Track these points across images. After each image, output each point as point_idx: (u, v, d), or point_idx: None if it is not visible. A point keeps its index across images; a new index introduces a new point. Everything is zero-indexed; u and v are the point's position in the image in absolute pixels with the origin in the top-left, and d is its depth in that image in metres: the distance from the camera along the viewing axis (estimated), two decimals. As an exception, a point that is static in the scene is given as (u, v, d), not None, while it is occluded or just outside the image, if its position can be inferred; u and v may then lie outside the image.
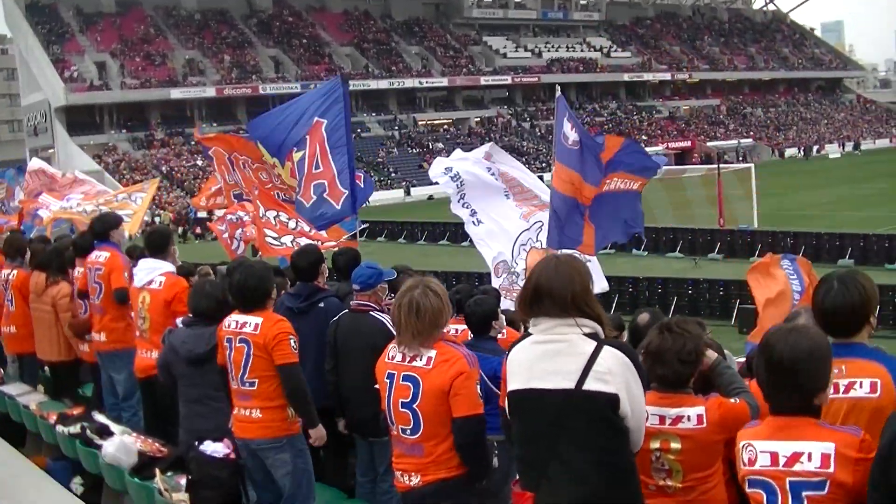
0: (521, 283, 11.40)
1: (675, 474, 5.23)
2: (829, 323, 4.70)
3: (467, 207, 13.21)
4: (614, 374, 4.54)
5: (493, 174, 13.29)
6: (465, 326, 7.96)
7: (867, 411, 4.55)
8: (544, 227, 12.07)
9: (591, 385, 4.53)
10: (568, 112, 11.88)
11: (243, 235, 14.59)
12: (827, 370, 4.26)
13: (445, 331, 6.20)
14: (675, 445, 5.16)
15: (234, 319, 7.51)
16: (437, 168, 13.58)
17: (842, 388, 4.65)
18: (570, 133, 11.56)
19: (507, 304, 10.85)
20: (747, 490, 4.34)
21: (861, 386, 4.67)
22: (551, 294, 4.67)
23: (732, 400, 5.25)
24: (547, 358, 4.67)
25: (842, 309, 4.75)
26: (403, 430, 6.02)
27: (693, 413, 5.16)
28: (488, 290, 8.83)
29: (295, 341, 7.50)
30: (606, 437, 4.60)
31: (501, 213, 13.19)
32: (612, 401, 4.53)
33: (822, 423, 4.23)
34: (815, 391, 4.22)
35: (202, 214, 67.39)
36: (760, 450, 4.24)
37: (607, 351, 4.58)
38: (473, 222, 13.23)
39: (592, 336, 4.65)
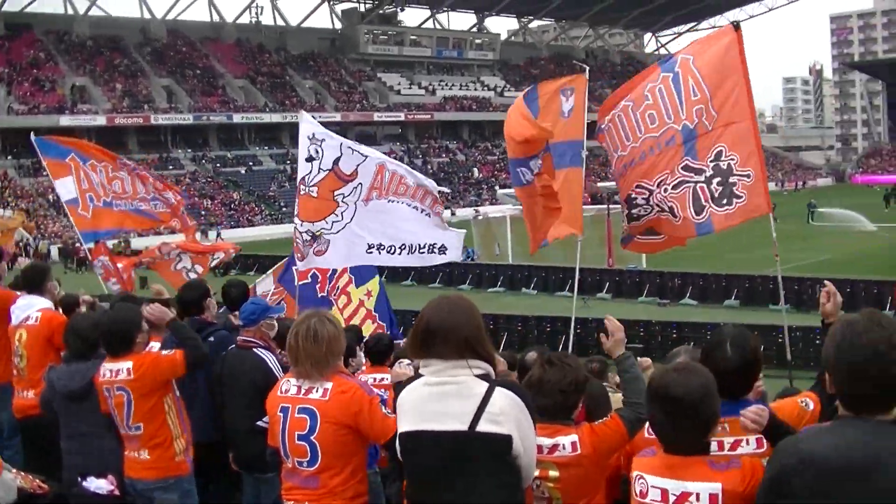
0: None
1: (555, 502, 5.33)
2: (721, 382, 4.77)
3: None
4: (507, 414, 4.57)
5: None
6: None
7: None
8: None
9: (484, 427, 4.55)
10: None
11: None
12: (718, 401, 4.42)
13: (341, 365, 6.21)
14: (553, 473, 5.26)
15: (107, 368, 7.47)
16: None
17: (727, 446, 4.79)
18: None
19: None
20: None
21: (748, 443, 4.82)
22: (445, 335, 4.67)
23: (603, 420, 5.42)
24: (439, 400, 4.68)
25: (736, 372, 4.91)
26: (300, 463, 5.95)
27: (567, 441, 5.27)
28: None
29: (166, 352, 7.58)
30: (500, 477, 4.63)
31: None
32: (505, 441, 4.56)
33: (711, 463, 4.34)
34: (711, 425, 4.39)
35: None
36: (651, 485, 4.36)
37: (499, 392, 4.61)
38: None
39: (484, 377, 4.68)
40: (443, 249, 11.58)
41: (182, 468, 7.59)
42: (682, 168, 10.25)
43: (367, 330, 13.32)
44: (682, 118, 10.25)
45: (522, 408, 4.65)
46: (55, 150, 15.20)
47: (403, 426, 4.84)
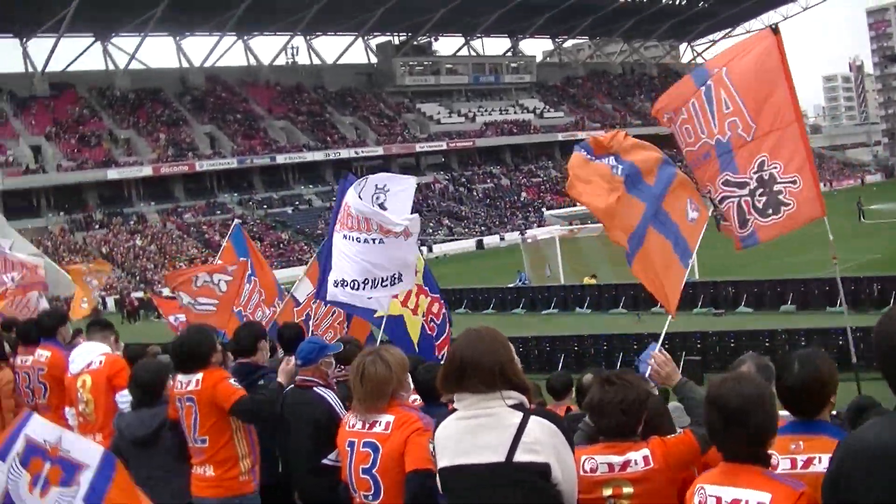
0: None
1: None
2: (789, 400, 4.78)
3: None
4: (543, 443, 4.57)
5: None
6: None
7: None
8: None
9: (521, 457, 4.56)
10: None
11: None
12: (775, 415, 4.41)
13: (402, 400, 6.21)
14: (628, 490, 5.27)
15: (179, 380, 7.67)
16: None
17: (800, 464, 4.72)
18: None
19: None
20: None
21: (820, 461, 4.67)
22: (478, 368, 4.67)
23: (674, 434, 5.48)
24: (474, 433, 4.68)
25: (802, 390, 4.80)
26: (366, 497, 6.01)
27: (639, 456, 5.29)
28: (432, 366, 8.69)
29: (235, 380, 7.72)
30: None
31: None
32: (543, 470, 4.57)
33: (767, 473, 4.34)
34: (767, 436, 4.38)
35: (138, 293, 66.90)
36: (709, 493, 4.36)
37: (534, 421, 4.61)
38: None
39: (518, 407, 4.69)
40: (400, 277, 11.11)
41: (247, 488, 7.70)
42: (722, 183, 10.01)
43: (423, 305, 12.78)
44: (715, 132, 10.01)
45: (559, 435, 4.65)
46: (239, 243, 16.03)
47: (441, 462, 4.83)
